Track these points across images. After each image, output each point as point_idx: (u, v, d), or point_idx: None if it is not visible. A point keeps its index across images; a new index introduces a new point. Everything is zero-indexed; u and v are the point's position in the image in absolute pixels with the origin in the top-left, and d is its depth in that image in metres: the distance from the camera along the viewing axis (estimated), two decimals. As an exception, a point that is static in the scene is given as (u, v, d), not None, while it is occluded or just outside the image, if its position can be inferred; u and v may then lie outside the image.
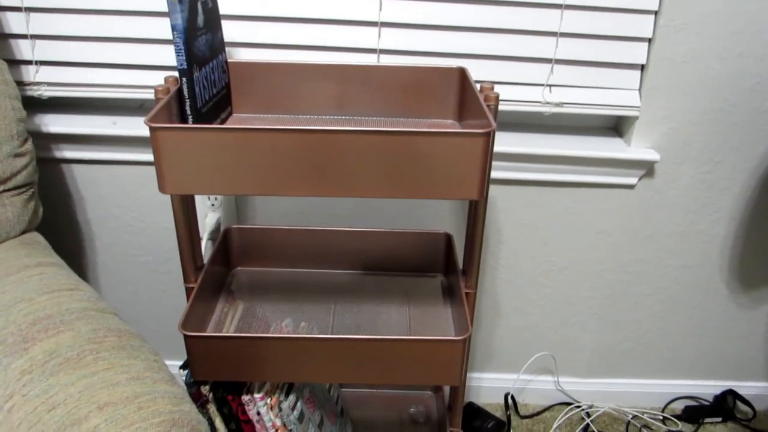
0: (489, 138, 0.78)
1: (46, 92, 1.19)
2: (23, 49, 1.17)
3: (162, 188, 0.82)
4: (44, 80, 1.19)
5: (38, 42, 1.17)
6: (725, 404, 1.50)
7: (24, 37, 1.16)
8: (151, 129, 0.78)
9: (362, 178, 0.81)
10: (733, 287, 1.39)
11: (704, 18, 1.12)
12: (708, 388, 1.53)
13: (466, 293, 1.05)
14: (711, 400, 1.53)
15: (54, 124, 1.20)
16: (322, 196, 0.82)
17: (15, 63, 1.17)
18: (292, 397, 1.05)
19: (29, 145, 1.05)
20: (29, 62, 1.18)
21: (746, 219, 1.31)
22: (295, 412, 1.05)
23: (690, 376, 1.53)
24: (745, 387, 1.53)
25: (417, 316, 1.10)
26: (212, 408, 1.03)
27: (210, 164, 0.80)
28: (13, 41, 1.16)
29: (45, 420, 0.67)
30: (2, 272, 0.93)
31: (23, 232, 1.06)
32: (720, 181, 1.27)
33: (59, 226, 1.33)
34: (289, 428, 1.04)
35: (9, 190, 1.02)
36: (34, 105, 1.23)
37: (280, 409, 1.03)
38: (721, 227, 1.32)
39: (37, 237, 1.07)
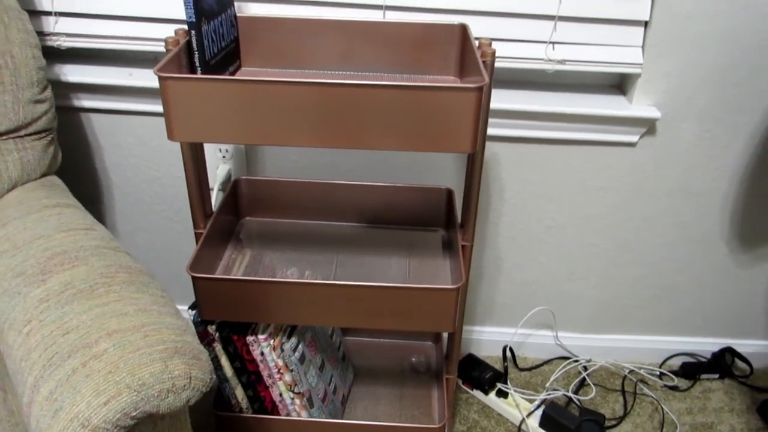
0: (481, 93, 0.81)
1: (65, 43, 1.23)
2: (43, 0, 1.21)
3: (170, 135, 0.86)
4: (63, 31, 1.23)
5: (57, -7, 1.21)
6: (723, 361, 1.53)
7: (43, -12, 1.20)
8: (160, 78, 0.82)
9: (360, 130, 0.84)
10: (732, 245, 1.42)
11: (710, -23, 1.12)
12: (706, 345, 1.57)
13: (463, 246, 1.09)
14: (709, 357, 1.56)
15: (72, 74, 1.25)
16: (318, 146, 0.85)
17: (35, 14, 1.22)
18: (294, 340, 1.11)
19: (49, 93, 1.10)
20: (49, 13, 1.22)
21: (747, 177, 1.33)
22: (297, 354, 1.11)
23: (688, 333, 1.56)
24: (744, 345, 1.56)
25: (416, 268, 1.15)
26: (218, 346, 1.09)
27: (215, 113, 0.84)
28: (33, -8, 1.21)
29: (59, 342, 0.73)
30: (24, 211, 0.99)
31: (43, 175, 1.11)
32: (721, 139, 1.29)
33: (78, 173, 1.39)
34: (291, 368, 1.10)
35: (30, 134, 1.07)
36: (54, 55, 1.28)
37: (282, 350, 1.09)
38: (722, 185, 1.34)
39: (55, 180, 1.13)
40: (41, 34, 1.22)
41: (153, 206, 1.43)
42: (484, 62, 0.91)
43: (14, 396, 0.88)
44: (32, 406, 0.71)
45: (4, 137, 1.05)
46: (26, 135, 1.08)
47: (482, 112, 0.95)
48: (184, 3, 0.90)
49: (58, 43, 1.23)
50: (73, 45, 1.24)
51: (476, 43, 0.96)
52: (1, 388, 0.89)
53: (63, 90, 1.27)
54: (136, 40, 1.23)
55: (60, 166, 1.18)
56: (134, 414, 0.69)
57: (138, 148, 1.36)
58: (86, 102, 1.29)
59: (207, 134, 0.86)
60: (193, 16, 0.91)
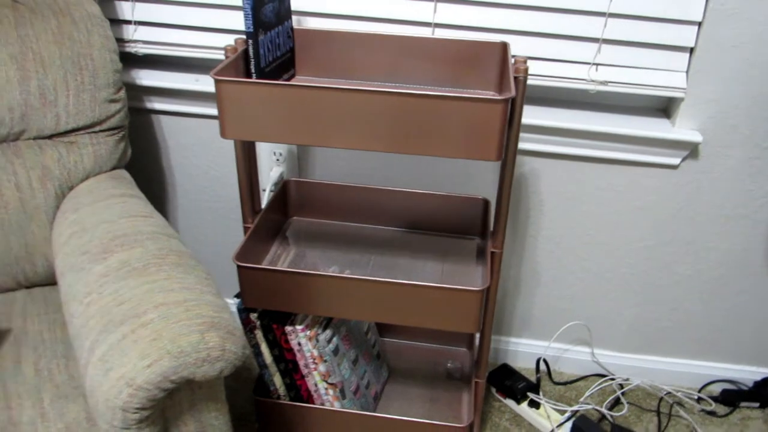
0: (506, 105, 0.86)
1: (142, 49, 1.35)
2: (125, 10, 1.34)
3: (222, 133, 0.95)
4: (141, 38, 1.35)
5: (138, 4, 1.33)
6: (765, 390, 1.50)
7: None
8: (216, 81, 0.91)
9: (398, 135, 0.91)
10: (776, 275, 1.40)
11: (754, 3, 1.13)
12: (748, 373, 1.55)
13: (492, 252, 1.14)
14: (751, 385, 1.54)
15: (146, 78, 1.37)
16: (353, 148, 0.93)
17: (117, 22, 1.34)
18: (328, 332, 1.17)
19: (122, 93, 1.21)
20: (129, 22, 1.35)
21: (791, 207, 1.32)
22: (331, 345, 1.18)
23: (729, 359, 1.54)
24: (786, 376, 1.53)
25: (449, 272, 1.20)
26: (259, 334, 1.17)
27: (262, 114, 0.92)
28: (117, 3, 1.33)
29: (114, 312, 0.82)
30: (94, 198, 1.10)
31: (113, 168, 1.23)
32: (766, 167, 1.28)
33: (145, 170, 1.51)
34: (325, 359, 1.17)
35: (104, 130, 1.19)
36: (131, 60, 1.40)
37: (318, 341, 1.16)
38: (766, 213, 1.33)
39: (123, 173, 1.24)
40: (121, 41, 1.34)
41: (211, 204, 1.54)
42: (516, 78, 0.96)
43: (75, 362, 0.98)
44: (88, 367, 0.80)
45: (81, 132, 1.17)
46: (100, 131, 1.19)
47: (513, 125, 1.00)
48: (244, 15, 0.99)
49: (135, 49, 1.36)
50: (149, 51, 1.35)
51: (512, 60, 1.01)
52: (64, 356, 0.99)
53: (136, 92, 1.39)
54: (204, 48, 1.34)
55: (130, 162, 1.29)
56: (173, 378, 0.77)
57: (200, 149, 1.47)
58: (157, 104, 1.41)
59: (254, 133, 0.95)
60: (252, 26, 1.00)
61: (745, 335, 1.50)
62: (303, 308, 1.10)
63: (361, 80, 1.19)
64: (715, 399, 1.53)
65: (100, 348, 0.80)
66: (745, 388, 1.54)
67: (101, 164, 1.20)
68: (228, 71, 0.97)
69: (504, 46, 1.11)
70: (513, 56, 1.02)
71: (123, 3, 1.34)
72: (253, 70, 1.04)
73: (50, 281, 1.19)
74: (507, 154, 1.03)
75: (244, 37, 1.04)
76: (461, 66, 1.15)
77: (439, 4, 1.23)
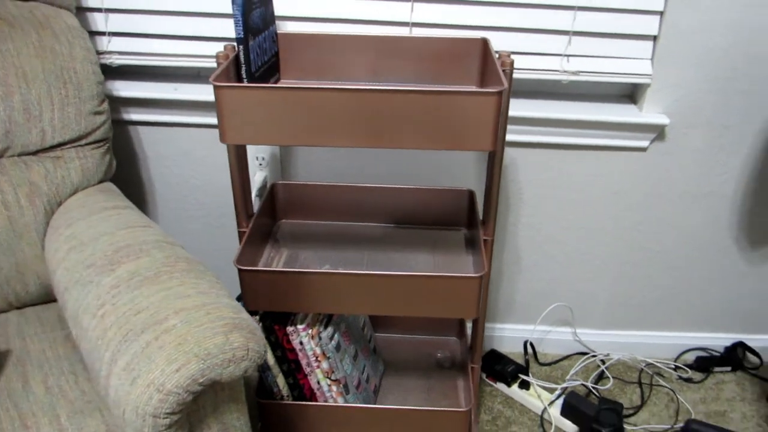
0: (500, 96, 0.91)
1: (117, 60, 1.35)
2: (98, 21, 1.32)
3: (222, 138, 0.96)
4: (115, 49, 1.34)
5: (111, 15, 1.32)
6: (735, 355, 1.60)
7: (99, 10, 1.31)
8: (215, 87, 0.92)
9: (395, 131, 0.94)
10: (742, 245, 1.49)
11: (712, -9, 1.21)
12: (719, 340, 1.64)
13: (485, 240, 1.18)
14: (722, 351, 1.63)
15: (123, 89, 1.36)
16: (353, 146, 0.95)
17: (91, 33, 1.33)
18: (330, 329, 1.20)
19: (106, 105, 1.21)
20: (103, 33, 1.34)
21: (754, 180, 1.40)
22: (333, 342, 1.20)
23: (702, 329, 1.63)
24: (754, 339, 1.62)
25: (440, 263, 1.24)
26: (261, 335, 1.18)
27: (262, 118, 0.94)
28: (89, 14, 1.32)
29: (132, 321, 0.83)
30: (87, 212, 1.09)
31: (100, 181, 1.22)
32: (728, 145, 1.37)
33: (126, 182, 1.50)
34: (328, 356, 1.19)
35: (90, 143, 1.18)
36: (106, 72, 1.39)
37: (320, 339, 1.18)
38: (730, 188, 1.42)
39: (111, 186, 1.23)
40: (96, 52, 1.33)
41: (193, 213, 1.54)
42: (503, 71, 1.00)
43: (85, 378, 0.97)
44: (110, 378, 0.80)
45: (67, 146, 1.16)
46: (86, 144, 1.18)
47: (501, 116, 1.05)
48: (235, 21, 1.01)
49: (110, 60, 1.35)
50: (124, 62, 1.35)
51: (496, 55, 1.06)
52: (72, 372, 0.99)
53: (113, 104, 1.38)
54: (180, 57, 1.34)
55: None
56: (201, 380, 0.78)
57: (180, 159, 1.46)
58: (134, 115, 1.40)
59: (254, 137, 0.96)
60: (242, 32, 1.01)
61: (714, 304, 1.59)
62: (306, 307, 1.12)
63: (345, 81, 1.21)
64: (691, 366, 1.61)
65: (123, 357, 0.80)
66: (717, 354, 1.63)
67: (89, 178, 1.19)
68: (221, 78, 0.98)
69: (484, 42, 1.15)
70: (497, 51, 1.06)
71: (95, 14, 1.32)
72: (244, 76, 1.05)
73: (42, 300, 1.18)
74: (497, 144, 1.08)
75: (233, 43, 1.06)
76: (442, 62, 1.19)
77: (416, 4, 1.27)
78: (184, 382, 0.77)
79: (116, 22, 1.32)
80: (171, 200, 1.52)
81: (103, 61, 1.34)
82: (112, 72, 1.40)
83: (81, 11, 1.31)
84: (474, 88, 1.18)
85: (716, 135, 1.36)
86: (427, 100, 0.91)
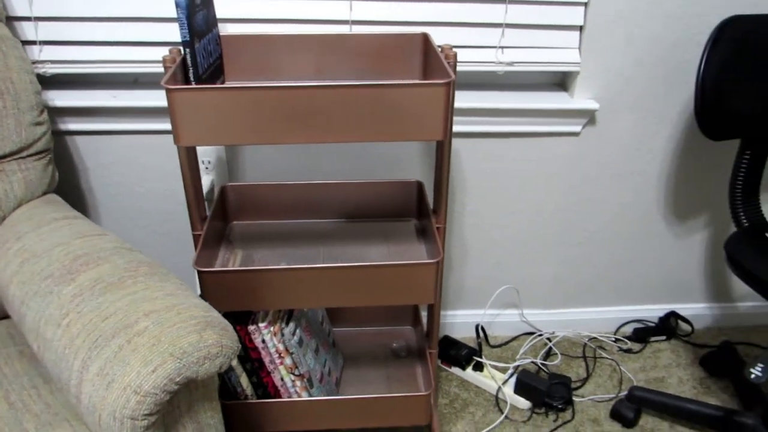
0: (449, 87, 0.95)
1: (51, 69, 1.31)
2: (27, 31, 1.29)
3: (177, 140, 0.96)
4: (48, 58, 1.31)
5: (41, 23, 1.29)
6: (668, 324, 1.70)
7: (28, 19, 1.28)
8: (168, 90, 0.92)
9: (348, 125, 0.96)
10: (669, 219, 1.59)
11: (631, -18, 1.29)
12: (653, 311, 1.74)
13: (437, 227, 1.22)
14: (656, 321, 1.74)
15: (58, 98, 1.33)
16: (310, 142, 0.97)
17: (21, 43, 1.29)
18: (292, 325, 1.21)
19: (45, 115, 1.18)
20: (33, 42, 1.30)
21: (676, 158, 1.51)
22: (295, 338, 1.21)
23: (637, 301, 1.73)
24: (685, 308, 1.74)
25: (395, 253, 1.27)
26: (223, 337, 1.18)
27: (214, 119, 0.95)
28: (17, 23, 1.28)
29: (101, 327, 0.82)
30: (35, 224, 1.07)
31: (44, 193, 1.19)
32: (653, 126, 1.46)
33: (67, 194, 1.45)
34: (291, 351, 1.21)
35: (32, 155, 1.15)
36: (41, 82, 1.35)
37: (283, 335, 1.19)
38: (655, 167, 1.52)
39: (56, 197, 1.20)
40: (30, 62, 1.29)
41: (138, 221, 1.51)
42: (448, 63, 1.05)
43: (48, 391, 0.96)
44: (82, 385, 0.80)
45: (8, 159, 1.13)
46: (28, 156, 1.15)
47: (450, 106, 1.09)
48: (179, 24, 1.01)
49: (44, 70, 1.31)
50: (58, 71, 1.32)
51: (439, 48, 1.10)
52: (33, 386, 0.97)
53: (50, 115, 1.34)
54: (117, 63, 1.32)
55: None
56: (178, 379, 0.78)
57: (121, 167, 1.44)
58: (71, 125, 1.37)
59: (208, 138, 0.97)
60: (188, 35, 1.02)
61: (647, 278, 1.69)
62: (269, 304, 1.13)
63: (289, 80, 1.23)
64: (629, 338, 1.71)
65: (95, 363, 0.79)
66: (652, 324, 1.74)
67: (32, 190, 1.16)
68: (171, 82, 0.98)
69: (425, 37, 1.19)
70: (439, 46, 1.10)
71: (24, 23, 1.29)
72: (191, 78, 1.06)
73: (-11, 318, 1.14)
74: (446, 133, 1.12)
75: (178, 47, 1.06)
76: (384, 58, 1.23)
77: (354, 3, 1.30)
78: (161, 383, 0.77)
79: (47, 31, 1.29)
80: (114, 209, 1.50)
81: (37, 70, 1.30)
82: (46, 82, 1.37)
83: (10, 20, 1.27)
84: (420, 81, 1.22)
85: (641, 118, 1.45)
86: (378, 94, 0.94)
